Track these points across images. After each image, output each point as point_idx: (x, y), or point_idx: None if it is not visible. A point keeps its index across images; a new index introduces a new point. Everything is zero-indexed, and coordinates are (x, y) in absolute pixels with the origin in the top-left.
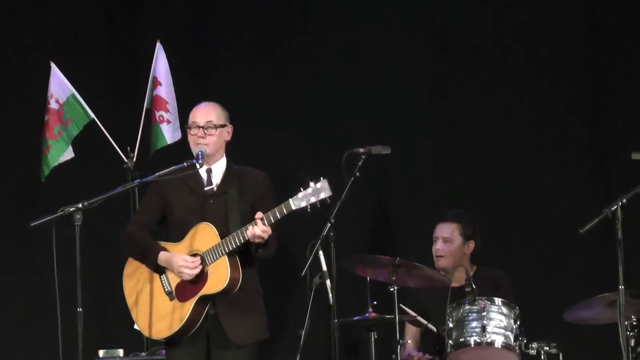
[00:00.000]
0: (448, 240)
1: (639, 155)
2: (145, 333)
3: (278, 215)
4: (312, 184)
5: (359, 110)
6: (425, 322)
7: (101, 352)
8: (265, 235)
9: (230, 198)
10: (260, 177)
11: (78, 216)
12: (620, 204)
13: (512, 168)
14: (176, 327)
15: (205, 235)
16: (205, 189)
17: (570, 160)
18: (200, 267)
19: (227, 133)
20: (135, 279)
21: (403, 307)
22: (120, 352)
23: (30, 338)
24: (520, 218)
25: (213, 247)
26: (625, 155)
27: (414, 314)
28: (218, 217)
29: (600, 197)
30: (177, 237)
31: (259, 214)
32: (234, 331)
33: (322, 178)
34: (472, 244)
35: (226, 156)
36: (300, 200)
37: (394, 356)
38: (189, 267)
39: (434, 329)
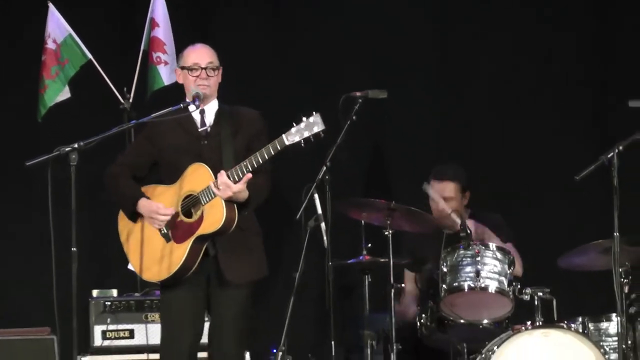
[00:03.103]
0: (449, 199)
1: (636, 103)
2: (144, 276)
3: (272, 151)
4: (304, 118)
5: (358, 55)
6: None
7: (95, 292)
8: (229, 192)
9: (223, 138)
10: (255, 115)
11: (74, 156)
12: (616, 151)
13: (510, 115)
14: (174, 269)
15: (199, 175)
16: (199, 129)
17: (569, 108)
18: (169, 216)
19: (220, 74)
20: (130, 221)
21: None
22: (114, 292)
23: (24, 277)
24: (516, 165)
25: (208, 187)
26: (622, 106)
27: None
28: (213, 157)
29: (598, 144)
30: (171, 179)
31: (222, 174)
32: (231, 271)
33: (314, 112)
34: (468, 194)
35: (217, 97)
36: (294, 135)
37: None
38: (159, 214)
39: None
